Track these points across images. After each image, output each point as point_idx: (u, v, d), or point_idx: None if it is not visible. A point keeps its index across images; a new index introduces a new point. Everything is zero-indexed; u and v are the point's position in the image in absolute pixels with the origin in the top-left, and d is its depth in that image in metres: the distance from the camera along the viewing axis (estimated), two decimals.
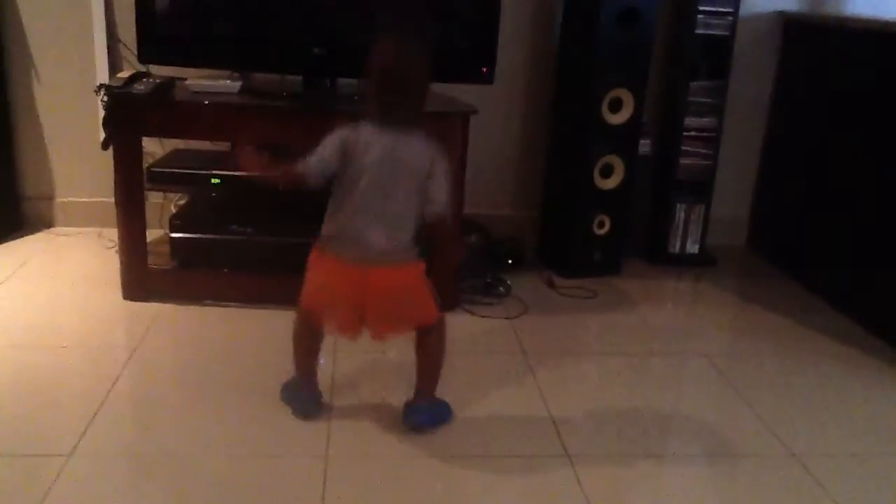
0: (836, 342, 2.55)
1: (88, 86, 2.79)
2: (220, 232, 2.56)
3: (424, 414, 1.92)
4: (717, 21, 2.96)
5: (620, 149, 2.89)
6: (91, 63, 2.94)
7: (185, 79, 2.55)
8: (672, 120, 3.08)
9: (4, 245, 2.93)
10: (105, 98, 2.41)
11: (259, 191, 1.99)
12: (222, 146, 2.82)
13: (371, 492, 1.71)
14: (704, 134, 3.08)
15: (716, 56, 3.00)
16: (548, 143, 3.13)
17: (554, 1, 3.04)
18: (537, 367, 2.28)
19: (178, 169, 2.60)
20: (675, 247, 3.16)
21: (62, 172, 3.10)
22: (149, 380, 2.14)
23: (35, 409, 1.94)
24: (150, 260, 2.54)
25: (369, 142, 1.76)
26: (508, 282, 2.77)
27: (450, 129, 2.43)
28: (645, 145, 3.01)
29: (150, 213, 2.60)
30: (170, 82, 2.51)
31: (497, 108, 3.03)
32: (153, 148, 2.86)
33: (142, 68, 2.63)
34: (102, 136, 2.47)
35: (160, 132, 2.70)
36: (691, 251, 3.17)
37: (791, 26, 3.17)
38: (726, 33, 2.97)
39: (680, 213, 3.13)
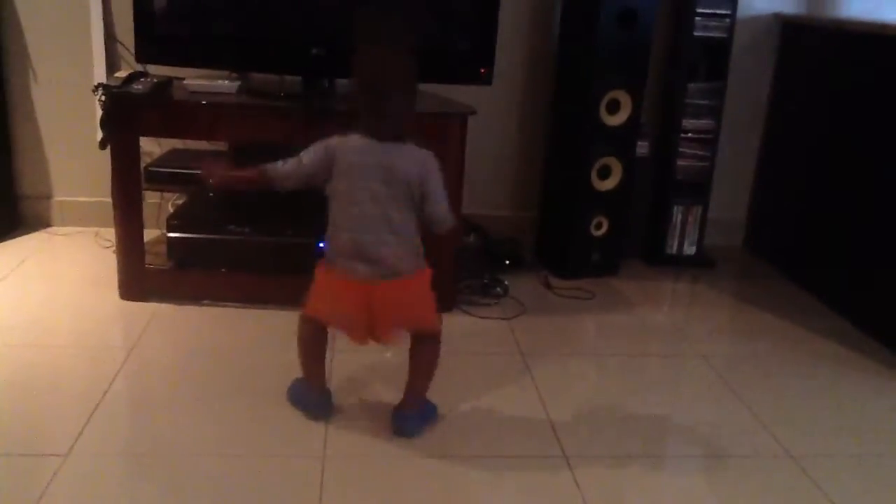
0: (834, 343, 2.56)
1: (86, 85, 2.78)
2: (218, 232, 2.56)
3: (412, 420, 1.91)
4: (714, 23, 2.96)
5: (618, 150, 2.89)
6: (88, 63, 2.94)
7: (183, 79, 2.55)
8: (670, 121, 3.08)
9: (1, 245, 2.92)
10: (103, 98, 2.41)
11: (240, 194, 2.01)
12: (220, 146, 2.82)
13: (368, 492, 1.71)
14: (702, 135, 3.08)
15: (714, 58, 3.01)
16: (546, 144, 3.13)
17: (553, 2, 3.05)
18: (535, 367, 2.27)
19: (176, 169, 2.60)
20: (673, 248, 3.17)
21: (59, 172, 3.09)
22: (146, 380, 2.13)
23: (31, 409, 1.93)
24: (148, 260, 2.54)
25: (358, 153, 1.75)
26: (506, 282, 2.77)
27: (448, 130, 2.44)
28: (643, 147, 3.01)
29: (148, 212, 2.60)
30: (167, 82, 2.51)
31: (495, 109, 3.03)
32: (151, 148, 2.86)
33: (139, 68, 2.63)
34: (100, 135, 2.47)
35: (158, 132, 2.70)
36: (689, 252, 3.18)
37: (788, 28, 3.17)
38: (724, 35, 2.98)
39: (678, 214, 3.13)
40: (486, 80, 2.57)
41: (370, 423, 1.95)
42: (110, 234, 2.63)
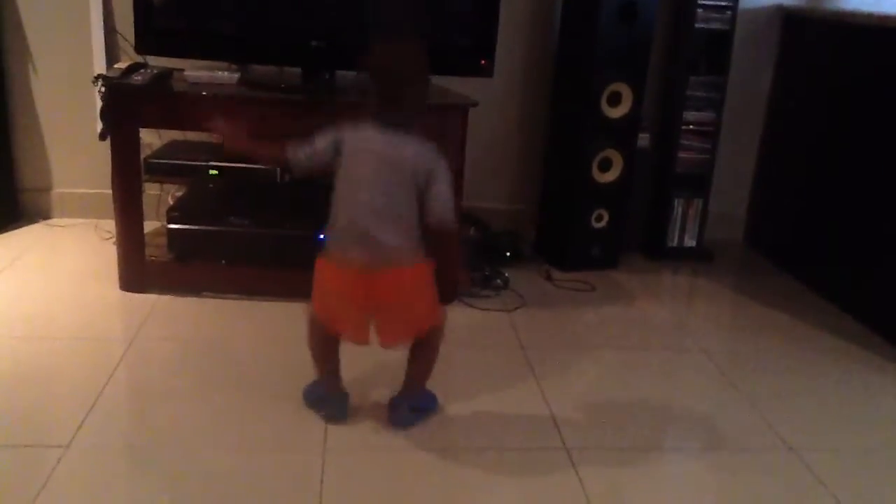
0: (834, 337, 2.56)
1: (85, 77, 2.77)
2: (218, 224, 2.56)
3: (406, 411, 1.91)
4: (716, 15, 2.96)
5: (619, 143, 2.89)
6: (88, 54, 2.93)
7: (183, 70, 2.54)
8: (671, 114, 3.07)
9: (1, 236, 2.92)
10: (102, 89, 2.40)
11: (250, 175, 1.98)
12: (219, 138, 2.81)
13: (369, 485, 1.71)
14: (703, 128, 3.08)
15: (715, 50, 3.00)
16: (546, 137, 3.12)
17: None
18: (535, 360, 2.28)
19: (176, 160, 2.60)
20: (673, 241, 3.16)
21: (59, 164, 3.09)
22: (146, 371, 2.13)
23: (32, 401, 1.93)
24: (148, 251, 2.54)
25: (368, 142, 1.75)
26: (507, 275, 2.77)
27: (449, 123, 2.43)
28: (643, 139, 3.01)
29: (148, 204, 2.60)
30: (167, 73, 2.51)
31: (496, 101, 3.02)
32: (150, 139, 2.85)
33: (139, 59, 2.62)
34: (100, 127, 2.46)
35: (158, 123, 2.70)
36: (689, 245, 3.18)
37: (790, 21, 3.17)
38: (725, 28, 2.97)
39: (678, 207, 3.13)
40: (487, 72, 2.56)
41: (371, 416, 1.95)
42: (110, 225, 2.63)
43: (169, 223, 2.56)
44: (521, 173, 3.22)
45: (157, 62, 2.58)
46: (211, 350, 2.23)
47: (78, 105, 2.97)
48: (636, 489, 1.77)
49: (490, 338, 2.41)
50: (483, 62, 2.55)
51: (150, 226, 2.63)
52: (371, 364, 2.18)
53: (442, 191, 1.75)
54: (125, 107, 2.41)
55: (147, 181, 2.56)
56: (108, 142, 2.44)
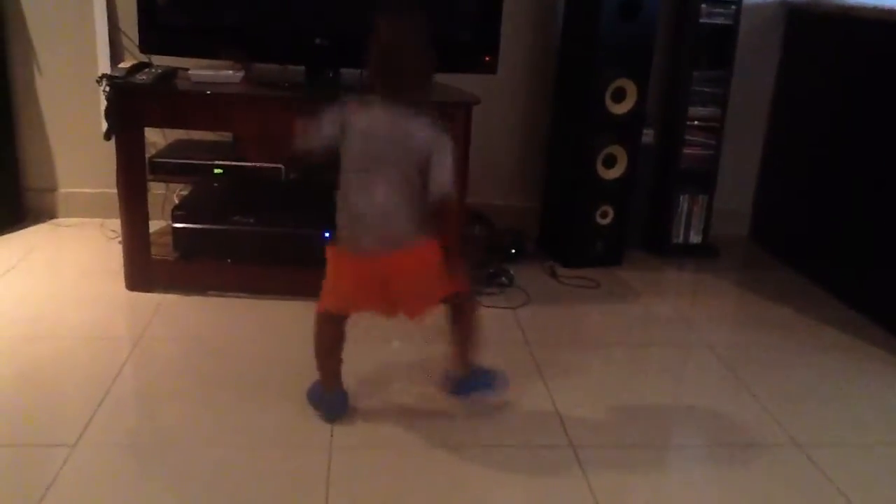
0: (840, 333, 2.55)
1: (90, 76, 2.78)
2: (223, 222, 2.56)
3: (465, 385, 1.95)
4: (720, 10, 2.95)
5: (623, 139, 2.89)
6: (93, 53, 2.93)
7: (187, 69, 2.54)
8: (675, 110, 3.07)
9: (7, 236, 2.93)
10: (107, 88, 2.40)
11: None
12: (225, 136, 2.81)
13: (375, 483, 1.72)
14: (707, 124, 3.07)
15: (719, 45, 2.99)
16: (551, 133, 3.12)
17: None
18: (540, 357, 2.28)
19: (181, 159, 2.60)
20: (678, 237, 3.16)
21: (64, 163, 3.09)
22: (152, 370, 2.14)
23: (39, 400, 1.94)
24: (153, 250, 2.54)
25: (372, 118, 1.74)
26: (511, 272, 2.77)
27: (452, 119, 2.43)
28: (648, 135, 3.00)
29: (153, 203, 2.60)
30: (172, 72, 2.51)
31: (500, 98, 3.02)
32: (155, 138, 2.86)
33: (144, 58, 2.63)
34: (105, 126, 2.46)
35: (162, 122, 2.70)
36: (694, 241, 3.17)
37: (795, 15, 3.16)
38: (730, 22, 2.96)
39: (683, 203, 3.12)
40: (491, 69, 2.56)
41: (377, 413, 1.95)
42: (116, 225, 2.63)
43: (174, 222, 2.57)
44: (525, 170, 3.22)
45: (161, 61, 2.59)
46: (217, 348, 2.23)
47: (83, 105, 2.97)
48: (642, 486, 1.77)
49: (495, 335, 2.41)
50: (487, 59, 2.55)
51: (155, 225, 2.63)
52: (377, 359, 2.18)
53: (444, 163, 1.74)
54: (130, 106, 2.41)
55: (152, 180, 2.56)
56: (113, 141, 2.44)
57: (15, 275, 2.62)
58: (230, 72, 2.55)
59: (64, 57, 2.96)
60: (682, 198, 3.12)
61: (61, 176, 3.11)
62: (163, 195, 2.96)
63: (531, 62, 3.12)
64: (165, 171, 2.60)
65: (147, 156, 2.51)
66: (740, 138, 3.24)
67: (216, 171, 2.57)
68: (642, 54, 2.84)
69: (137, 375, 2.10)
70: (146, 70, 2.47)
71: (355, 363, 2.16)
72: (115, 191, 2.50)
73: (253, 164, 2.58)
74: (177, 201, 2.84)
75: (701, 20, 2.94)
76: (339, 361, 1.92)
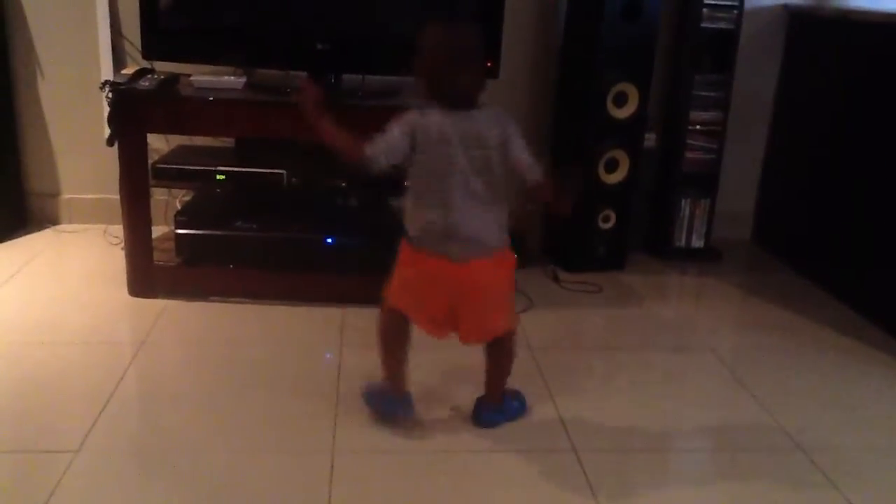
0: (843, 336, 2.55)
1: (93, 82, 2.79)
2: (226, 228, 2.56)
3: (495, 413, 1.93)
4: (722, 14, 2.95)
5: (625, 143, 2.89)
6: (95, 59, 2.94)
7: (190, 75, 2.55)
8: (677, 114, 3.07)
9: (10, 242, 2.93)
10: (110, 94, 2.41)
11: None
12: (227, 142, 2.82)
13: (378, 487, 1.71)
14: (709, 128, 3.07)
15: (721, 49, 2.99)
16: (552, 138, 3.12)
17: None
18: (543, 361, 2.27)
19: (183, 165, 2.60)
20: (681, 241, 3.16)
21: (67, 169, 3.10)
22: (155, 375, 2.14)
23: (42, 406, 1.94)
24: (156, 256, 2.55)
25: (441, 126, 1.69)
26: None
27: None
28: (650, 139, 3.01)
29: (156, 209, 2.61)
30: (174, 78, 2.51)
31: (501, 102, 2.95)
32: (158, 144, 2.86)
33: (146, 64, 2.63)
34: (107, 132, 2.47)
35: (165, 128, 2.71)
36: (696, 245, 3.17)
37: (796, 19, 3.16)
38: (731, 27, 2.97)
39: (685, 207, 3.12)
40: (493, 74, 2.56)
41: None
42: (118, 230, 2.64)
43: (177, 228, 2.57)
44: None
45: (163, 67, 2.59)
46: (219, 354, 2.24)
47: (85, 111, 2.98)
48: (644, 489, 1.77)
49: None
50: (489, 63, 2.54)
51: (158, 231, 2.64)
52: (378, 362, 2.18)
53: (520, 147, 1.74)
54: (132, 112, 2.42)
55: (154, 186, 2.57)
56: (115, 147, 2.45)
57: (18, 280, 2.62)
58: (232, 77, 2.56)
59: (66, 63, 2.97)
60: (684, 201, 3.12)
61: (64, 182, 3.11)
62: (165, 201, 2.96)
63: (532, 66, 3.12)
64: (168, 177, 2.60)
65: (150, 161, 2.52)
66: (742, 142, 3.24)
67: (218, 176, 2.57)
68: (644, 58, 2.85)
69: (140, 381, 2.10)
70: (149, 76, 2.48)
71: (357, 365, 2.16)
72: (117, 196, 2.51)
73: (258, 169, 2.58)
74: (179, 207, 2.85)
75: (702, 24, 2.94)
76: (402, 361, 1.88)
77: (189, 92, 2.48)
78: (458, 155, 1.69)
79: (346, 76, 2.62)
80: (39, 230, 3.07)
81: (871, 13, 2.84)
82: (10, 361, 2.13)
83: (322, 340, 2.33)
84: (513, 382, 2.15)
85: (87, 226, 3.09)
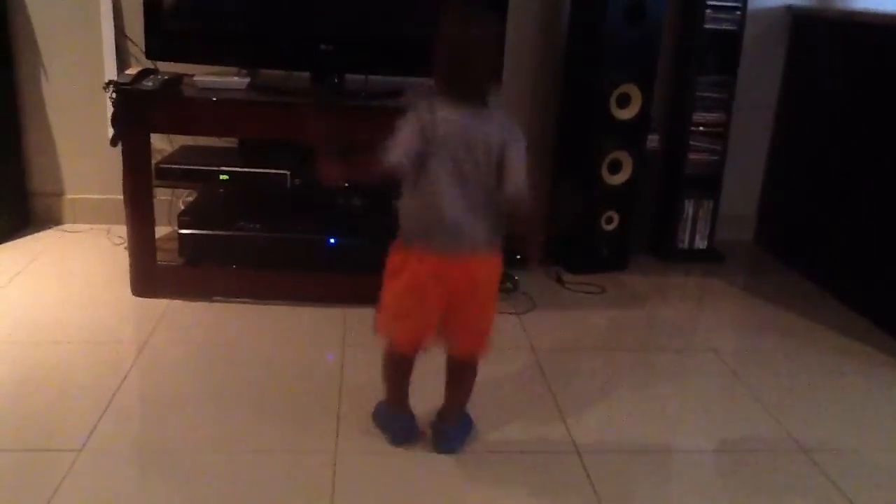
0: (846, 338, 2.55)
1: (96, 83, 2.79)
2: (229, 228, 2.56)
3: (455, 439, 1.87)
4: (725, 16, 2.95)
5: (628, 144, 2.89)
6: (99, 60, 2.95)
7: (193, 75, 2.55)
8: (680, 115, 3.07)
9: (13, 242, 2.94)
10: (113, 95, 2.42)
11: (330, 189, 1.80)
12: (230, 142, 2.82)
13: (380, 488, 1.71)
14: (713, 129, 3.07)
15: (724, 51, 2.99)
16: (556, 139, 3.12)
17: None
18: (546, 362, 2.27)
19: (187, 165, 2.60)
20: (684, 242, 3.16)
21: (71, 169, 3.10)
22: (158, 375, 2.14)
23: (45, 405, 1.94)
24: (159, 256, 2.55)
25: (445, 120, 1.65)
26: (516, 277, 2.76)
27: None
28: (653, 141, 3.00)
29: (159, 209, 2.60)
30: (178, 79, 2.52)
31: (505, 103, 3.01)
32: (161, 145, 2.87)
33: (149, 65, 2.64)
34: (111, 132, 2.47)
35: (168, 129, 2.72)
36: (699, 246, 3.17)
37: (799, 21, 3.16)
38: (734, 28, 2.96)
39: (688, 208, 3.12)
40: (497, 74, 2.55)
41: None
42: (122, 231, 2.64)
43: (180, 228, 2.57)
44: (530, 175, 3.21)
45: (167, 68, 2.60)
46: (222, 354, 2.24)
47: (89, 111, 2.99)
48: (646, 490, 1.77)
49: (500, 340, 2.39)
50: (501, 57, 2.54)
51: (161, 231, 2.64)
52: (378, 367, 2.18)
53: (518, 162, 1.68)
54: (136, 112, 2.42)
55: (158, 186, 2.57)
56: (119, 147, 2.45)
57: (21, 280, 2.63)
58: (235, 78, 2.56)
59: (70, 63, 2.97)
60: (687, 203, 3.12)
61: (67, 182, 3.12)
62: (169, 201, 2.96)
63: (536, 68, 3.12)
64: (171, 177, 2.60)
65: (153, 162, 2.52)
66: (745, 143, 3.24)
67: (222, 177, 2.57)
68: (647, 60, 2.85)
69: (143, 381, 2.10)
70: (152, 76, 2.48)
71: (359, 366, 2.17)
72: (121, 197, 2.51)
73: (261, 170, 2.58)
74: (182, 207, 2.85)
75: (706, 25, 2.94)
76: (406, 386, 1.87)
77: (192, 92, 2.48)
78: (463, 154, 1.66)
79: (349, 76, 2.62)
80: (43, 230, 3.07)
81: (875, 14, 2.84)
82: (13, 361, 2.14)
83: (324, 341, 2.34)
84: (515, 383, 2.15)
85: (90, 226, 3.09)
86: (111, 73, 2.91)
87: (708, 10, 2.93)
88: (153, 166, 2.51)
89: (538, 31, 3.08)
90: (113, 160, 2.55)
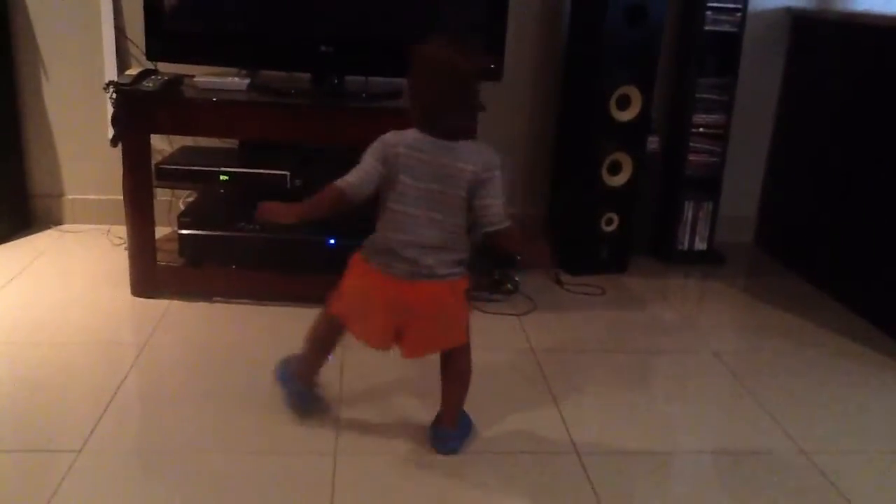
0: (846, 339, 2.55)
1: (97, 83, 2.80)
2: (229, 229, 2.56)
3: (454, 439, 1.86)
4: (725, 17, 2.95)
5: (628, 146, 2.89)
6: (99, 60, 2.95)
7: (193, 76, 2.55)
8: (680, 117, 3.07)
9: (14, 242, 2.94)
10: (114, 95, 2.42)
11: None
12: (231, 143, 2.82)
13: (380, 489, 1.71)
14: (713, 131, 3.07)
15: (724, 52, 2.99)
16: (556, 140, 3.12)
17: None
18: (546, 363, 2.27)
19: (187, 166, 2.60)
20: (684, 244, 3.16)
21: (71, 170, 3.11)
22: (158, 376, 2.14)
23: (45, 406, 1.94)
24: (159, 257, 2.55)
25: (412, 151, 1.66)
26: (517, 278, 2.77)
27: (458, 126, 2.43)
28: (653, 142, 3.00)
29: (159, 210, 2.60)
30: (178, 79, 2.52)
31: (505, 105, 3.02)
32: (161, 145, 2.87)
33: (150, 65, 2.64)
34: (111, 133, 2.48)
35: (169, 129, 2.72)
36: (699, 248, 3.17)
37: (799, 22, 3.16)
38: (735, 30, 2.97)
39: (688, 210, 3.12)
40: (496, 76, 2.56)
41: (382, 419, 1.95)
42: (122, 231, 2.64)
43: (180, 228, 2.57)
44: (530, 177, 3.22)
45: (167, 68, 2.60)
46: (222, 354, 2.24)
47: (89, 111, 2.99)
48: (647, 491, 1.77)
49: (500, 342, 2.41)
50: (492, 66, 2.55)
51: (161, 231, 2.64)
52: (382, 364, 2.18)
53: (493, 195, 1.68)
54: (136, 113, 2.42)
55: (158, 187, 2.57)
56: (119, 148, 2.45)
57: (21, 281, 2.63)
58: (236, 79, 2.56)
59: (71, 64, 2.97)
60: (687, 204, 3.12)
61: (67, 182, 3.12)
62: (169, 201, 2.96)
63: (536, 69, 3.12)
64: (171, 178, 2.60)
65: (153, 162, 2.52)
66: (745, 145, 3.24)
67: (222, 177, 2.57)
68: (647, 61, 2.85)
69: (143, 381, 2.10)
70: (152, 77, 2.48)
71: (359, 367, 2.16)
72: (121, 197, 2.51)
73: (261, 170, 2.58)
74: (182, 208, 2.85)
75: (706, 27, 2.94)
76: (324, 359, 1.90)
77: (193, 93, 2.48)
78: (422, 182, 1.67)
79: (349, 78, 2.62)
80: (43, 230, 3.07)
81: (875, 16, 2.85)
82: (12, 361, 2.14)
83: None
84: (516, 384, 2.15)
85: (90, 226, 3.09)
86: (111, 73, 2.91)
87: (708, 12, 2.93)
88: (153, 167, 2.51)
89: (538, 32, 3.08)
90: (113, 161, 2.56)
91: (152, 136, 2.50)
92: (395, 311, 1.73)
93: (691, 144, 3.06)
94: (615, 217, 2.94)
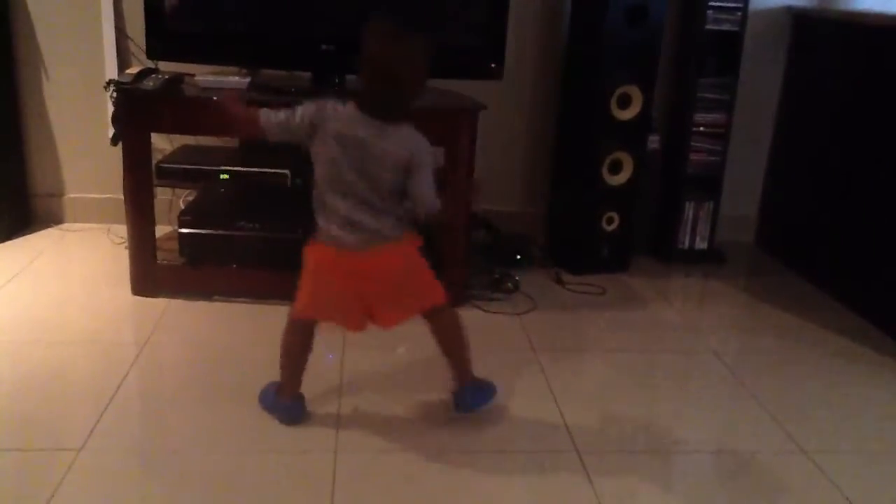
0: (846, 340, 2.54)
1: (97, 82, 2.80)
2: (229, 228, 2.56)
3: (471, 398, 1.92)
4: (726, 16, 2.95)
5: (629, 145, 2.88)
6: (100, 59, 2.95)
7: (194, 75, 2.55)
8: (681, 116, 3.07)
9: (14, 241, 2.94)
10: (114, 94, 2.42)
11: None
12: (231, 142, 2.82)
13: (381, 487, 1.71)
14: (713, 130, 3.06)
15: (725, 51, 2.99)
16: (556, 139, 3.12)
17: None
18: (546, 362, 2.27)
19: (187, 165, 2.60)
20: (684, 243, 3.15)
21: (71, 169, 3.10)
22: (158, 375, 2.14)
23: (45, 405, 1.94)
24: (159, 256, 2.55)
25: (351, 128, 1.69)
26: (517, 277, 2.77)
27: (458, 125, 2.44)
28: (654, 141, 3.00)
29: (159, 209, 2.60)
30: (178, 78, 2.52)
31: (506, 104, 3.02)
32: (162, 144, 2.87)
33: (150, 64, 2.64)
34: (111, 132, 2.48)
35: (169, 128, 2.71)
36: (700, 248, 3.16)
37: (800, 21, 3.16)
38: (735, 29, 2.96)
39: (689, 209, 3.12)
40: (497, 75, 2.56)
41: (382, 418, 1.95)
42: (122, 230, 2.64)
43: (180, 227, 2.57)
44: (530, 176, 3.22)
45: (168, 67, 2.60)
46: (222, 353, 2.24)
47: (90, 110, 2.99)
48: (647, 491, 1.77)
49: (500, 341, 2.41)
50: (493, 65, 2.55)
51: (161, 230, 2.64)
52: (382, 363, 2.18)
53: (423, 180, 1.70)
54: (137, 112, 2.42)
55: (158, 186, 2.57)
56: (119, 147, 2.45)
57: (21, 280, 2.63)
58: (236, 78, 2.56)
59: (71, 63, 2.97)
60: (688, 204, 3.12)
61: (68, 181, 3.12)
62: (169, 200, 2.96)
63: (537, 68, 3.12)
64: (172, 177, 2.60)
65: (153, 161, 2.52)
66: (746, 144, 3.24)
67: (222, 176, 2.57)
68: (648, 60, 2.84)
69: (143, 380, 2.10)
70: (153, 76, 2.48)
71: (359, 366, 2.17)
72: (121, 196, 2.51)
73: (261, 169, 2.58)
74: (183, 207, 2.85)
75: (707, 26, 2.94)
76: (302, 369, 1.91)
77: (193, 92, 2.48)
78: (354, 157, 1.69)
79: (350, 77, 2.61)
80: (43, 229, 3.07)
81: (876, 16, 2.84)
82: (13, 360, 2.14)
83: (324, 340, 2.32)
84: (515, 383, 2.15)
85: (90, 225, 3.09)
86: (112, 72, 2.91)
87: (709, 11, 2.92)
88: (153, 166, 2.51)
89: (539, 31, 3.08)
90: (113, 160, 2.55)
91: (153, 134, 2.50)
92: (357, 285, 1.75)
93: (692, 144, 3.06)
94: (616, 216, 2.94)
